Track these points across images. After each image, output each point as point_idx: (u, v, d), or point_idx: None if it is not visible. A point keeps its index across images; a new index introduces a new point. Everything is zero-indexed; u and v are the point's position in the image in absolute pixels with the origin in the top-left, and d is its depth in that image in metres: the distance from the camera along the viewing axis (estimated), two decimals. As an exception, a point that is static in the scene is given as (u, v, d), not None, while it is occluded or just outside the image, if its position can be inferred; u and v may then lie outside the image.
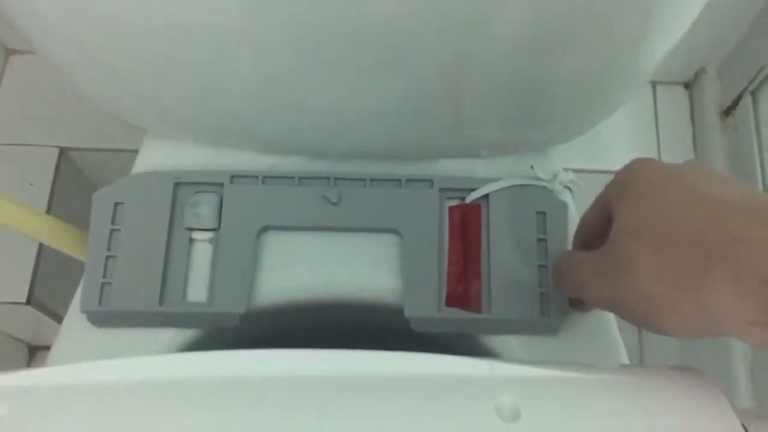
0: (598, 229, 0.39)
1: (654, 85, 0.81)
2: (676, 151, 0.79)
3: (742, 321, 0.27)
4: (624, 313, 0.35)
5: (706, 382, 0.30)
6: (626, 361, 0.47)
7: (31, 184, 0.77)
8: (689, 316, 0.30)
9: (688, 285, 0.29)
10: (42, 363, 0.95)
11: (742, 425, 0.27)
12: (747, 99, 0.72)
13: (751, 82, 0.71)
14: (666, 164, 0.35)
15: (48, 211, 0.76)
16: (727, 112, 0.76)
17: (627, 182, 0.36)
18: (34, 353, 0.95)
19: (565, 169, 0.52)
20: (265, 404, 0.29)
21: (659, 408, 0.29)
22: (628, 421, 0.28)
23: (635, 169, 0.36)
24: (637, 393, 0.30)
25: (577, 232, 0.43)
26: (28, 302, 0.74)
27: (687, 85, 0.81)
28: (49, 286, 0.77)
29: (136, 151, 0.53)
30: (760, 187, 0.69)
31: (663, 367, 0.31)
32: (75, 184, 0.81)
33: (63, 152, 0.79)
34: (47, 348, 0.92)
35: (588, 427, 0.28)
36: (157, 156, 0.52)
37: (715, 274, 0.28)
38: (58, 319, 0.80)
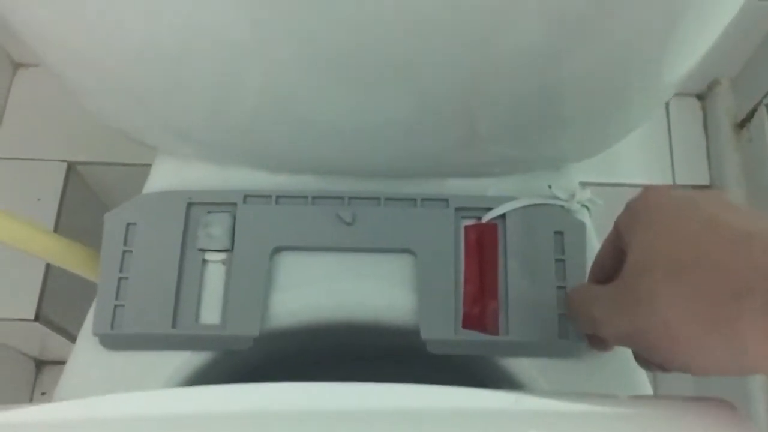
0: (611, 261, 0.37)
1: (667, 97, 0.80)
2: (689, 164, 0.78)
3: None
4: (645, 350, 0.33)
5: (738, 417, 0.29)
6: (647, 385, 0.46)
7: (39, 199, 0.76)
8: (717, 354, 0.29)
9: (718, 321, 0.28)
10: (49, 378, 0.95)
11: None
12: (762, 111, 0.71)
13: (766, 95, 0.70)
14: (680, 192, 0.34)
15: (56, 226, 0.75)
16: (742, 124, 0.75)
17: (640, 212, 0.34)
18: (42, 368, 0.94)
19: (582, 185, 0.51)
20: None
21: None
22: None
23: (648, 198, 0.34)
24: (665, 427, 0.29)
25: (592, 267, 0.41)
26: (36, 319, 0.74)
27: (700, 97, 0.80)
28: (57, 302, 0.76)
29: (144, 166, 0.53)
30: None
31: (691, 400, 0.31)
32: (83, 198, 0.81)
33: (71, 166, 0.78)
34: (54, 363, 0.92)
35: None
36: (169, 175, 0.51)
37: (746, 309, 0.27)
38: (66, 334, 0.79)
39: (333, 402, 0.29)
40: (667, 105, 0.80)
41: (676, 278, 0.30)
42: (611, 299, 0.34)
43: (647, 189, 0.35)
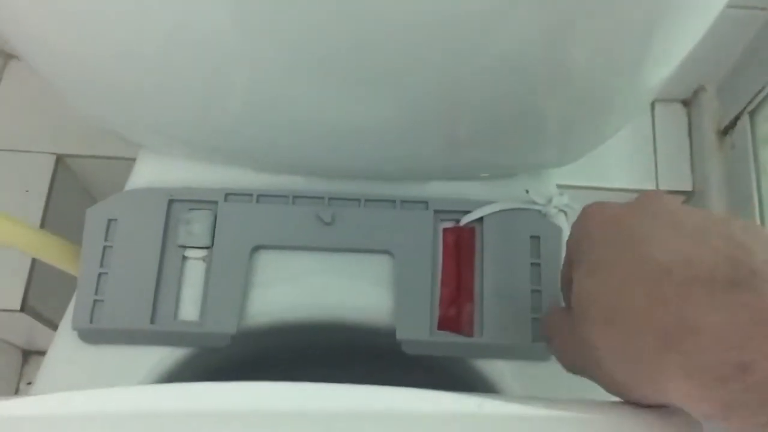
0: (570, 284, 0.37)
1: (653, 102, 0.81)
2: (673, 169, 0.79)
3: (699, 413, 0.26)
4: (585, 376, 0.34)
5: (694, 423, 0.30)
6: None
7: (27, 191, 0.77)
8: (650, 399, 0.29)
9: (645, 374, 0.28)
10: (35, 368, 0.95)
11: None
12: (745, 119, 0.72)
13: (749, 103, 0.71)
14: (615, 212, 0.32)
15: (43, 218, 0.76)
16: (725, 131, 0.76)
17: (580, 240, 0.33)
18: (28, 358, 0.95)
19: (560, 189, 0.52)
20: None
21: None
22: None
23: (585, 223, 0.33)
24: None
25: (561, 281, 0.40)
26: (22, 309, 0.74)
27: (686, 103, 0.81)
28: (43, 293, 0.76)
29: (132, 160, 0.53)
30: (756, 208, 0.69)
31: (657, 407, 0.31)
32: (71, 191, 0.81)
33: (59, 159, 0.79)
34: (40, 352, 0.92)
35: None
36: (151, 172, 0.52)
37: (668, 365, 0.26)
38: (52, 325, 0.79)
39: (293, 402, 0.30)
40: (652, 110, 0.80)
41: (610, 327, 0.29)
42: (563, 333, 0.35)
43: (584, 210, 0.34)
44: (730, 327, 0.24)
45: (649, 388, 0.28)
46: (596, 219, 0.33)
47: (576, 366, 0.35)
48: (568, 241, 0.36)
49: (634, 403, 0.31)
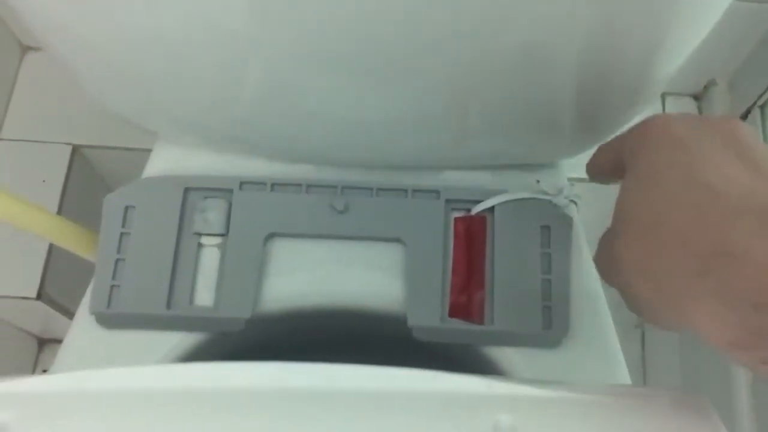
0: (609, 172, 0.36)
1: (663, 96, 0.81)
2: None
3: (723, 340, 0.26)
4: (616, 288, 0.34)
5: (708, 412, 0.30)
6: (627, 376, 0.47)
7: (44, 181, 0.78)
8: (669, 319, 0.30)
9: (671, 293, 0.28)
10: (51, 356, 0.97)
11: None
12: (756, 113, 0.72)
13: (760, 97, 0.71)
14: (682, 131, 0.30)
15: (60, 209, 0.77)
16: (736, 125, 0.76)
17: (637, 147, 0.32)
18: (43, 346, 0.96)
19: (570, 181, 0.52)
20: (261, 417, 0.30)
21: (653, 431, 0.29)
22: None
23: (646, 133, 0.32)
24: (634, 417, 0.30)
25: (590, 167, 0.40)
26: (38, 297, 0.75)
27: (696, 97, 0.81)
28: (59, 282, 0.78)
29: (148, 150, 0.54)
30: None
31: (663, 391, 0.32)
32: (87, 181, 0.82)
33: (76, 150, 0.80)
34: (56, 341, 0.94)
35: (582, 449, 0.28)
36: (167, 161, 0.52)
37: (700, 287, 0.26)
38: (68, 314, 0.81)
39: (301, 381, 0.31)
40: (663, 104, 0.81)
41: (644, 242, 0.29)
42: (602, 244, 0.35)
43: (648, 120, 0.32)
44: None
45: (673, 309, 0.28)
46: (659, 131, 0.31)
47: (607, 280, 0.35)
48: (620, 136, 0.34)
49: (651, 323, 0.31)
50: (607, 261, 0.34)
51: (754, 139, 0.29)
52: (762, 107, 0.71)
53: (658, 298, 0.29)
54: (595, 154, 0.39)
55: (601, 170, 0.38)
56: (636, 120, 0.50)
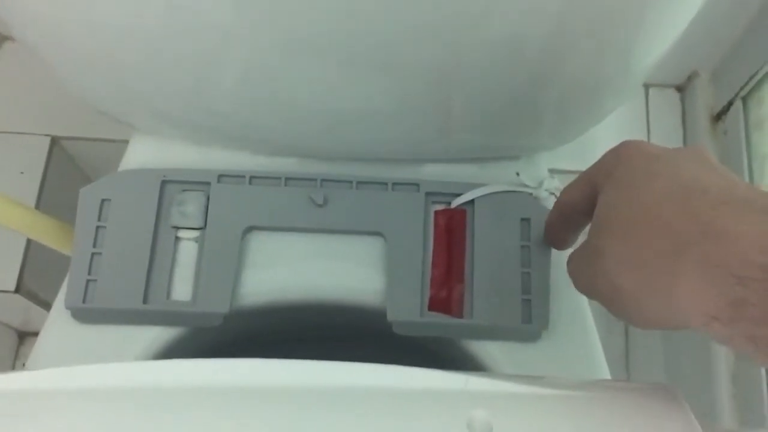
0: (581, 206, 0.38)
1: (647, 87, 0.81)
2: (666, 154, 0.79)
3: (705, 315, 0.26)
4: (601, 302, 0.34)
5: (679, 402, 0.30)
6: (605, 369, 0.47)
7: (22, 173, 0.77)
8: (655, 308, 0.30)
9: (653, 275, 0.29)
10: (31, 349, 0.96)
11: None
12: (738, 104, 0.72)
13: (742, 88, 0.71)
14: (656, 148, 0.33)
15: (38, 200, 0.76)
16: (718, 116, 0.76)
17: (612, 166, 0.34)
18: (23, 339, 0.95)
19: (551, 173, 0.52)
20: (235, 414, 0.29)
21: (629, 427, 0.29)
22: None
23: (621, 153, 0.34)
24: (609, 411, 0.30)
25: (557, 207, 0.41)
26: (17, 290, 0.75)
27: (679, 89, 0.81)
28: (39, 274, 0.77)
29: (127, 142, 0.53)
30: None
31: (638, 385, 0.32)
32: (66, 173, 0.81)
33: (55, 141, 0.79)
34: (36, 334, 0.93)
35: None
36: (144, 153, 0.52)
37: (682, 264, 0.27)
38: (47, 306, 0.79)
39: (276, 378, 0.30)
40: (646, 96, 0.81)
41: (626, 237, 0.31)
42: (578, 255, 0.36)
43: (623, 143, 0.35)
44: (762, 233, 0.25)
45: (658, 293, 0.29)
46: (637, 148, 0.33)
47: (584, 286, 0.36)
48: (595, 164, 0.36)
49: (636, 323, 0.32)
50: (586, 267, 0.35)
51: (712, 156, 0.32)
52: (744, 98, 0.71)
53: (642, 286, 0.30)
54: (563, 192, 0.40)
55: (572, 206, 0.39)
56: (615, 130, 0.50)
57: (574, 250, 0.37)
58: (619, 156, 0.34)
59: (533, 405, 0.30)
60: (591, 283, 0.35)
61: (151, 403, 0.30)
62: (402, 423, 0.29)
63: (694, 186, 0.29)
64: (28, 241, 0.75)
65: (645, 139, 0.80)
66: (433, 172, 0.52)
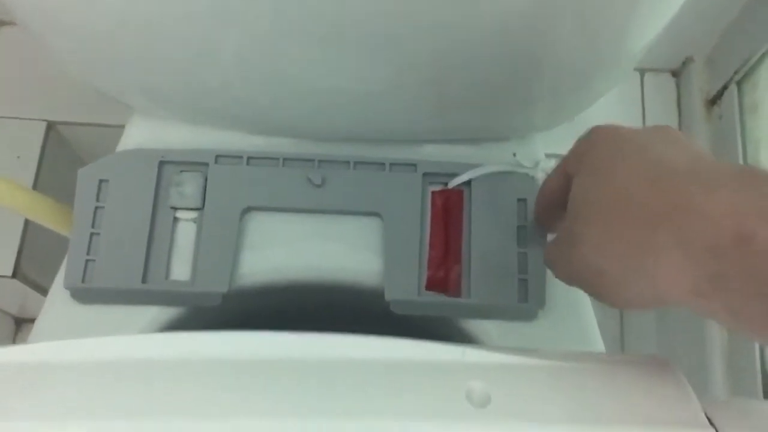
0: (560, 195, 0.38)
1: (642, 72, 0.81)
2: (661, 139, 0.79)
3: (683, 290, 0.27)
4: (584, 288, 0.35)
5: (672, 371, 0.30)
6: (601, 347, 0.47)
7: (18, 157, 0.77)
8: (635, 287, 0.30)
9: (631, 255, 0.29)
10: (28, 335, 0.96)
11: (705, 413, 0.28)
12: (732, 89, 0.72)
13: (736, 72, 0.71)
14: (626, 130, 0.34)
15: (34, 185, 0.76)
16: (713, 101, 0.76)
17: (585, 151, 0.35)
18: (20, 325, 0.95)
19: (548, 156, 0.53)
20: (239, 385, 0.30)
21: (624, 395, 0.29)
22: (594, 408, 0.29)
23: (591, 138, 0.35)
24: (604, 381, 0.30)
25: (539, 199, 0.42)
26: (14, 276, 0.75)
27: (675, 73, 0.82)
28: (35, 260, 0.77)
29: (123, 127, 0.53)
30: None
31: (632, 356, 0.32)
32: (62, 158, 0.81)
33: (51, 126, 0.79)
34: (33, 320, 0.93)
35: (554, 413, 0.28)
36: (142, 134, 0.52)
37: (658, 241, 0.28)
38: (44, 292, 0.79)
39: (278, 350, 0.31)
40: (642, 80, 0.81)
41: (602, 221, 0.31)
42: (556, 243, 0.37)
43: (594, 128, 0.35)
44: (733, 205, 0.25)
45: (636, 271, 0.29)
46: (608, 132, 0.34)
47: (566, 274, 0.36)
48: (568, 152, 0.37)
49: (620, 304, 0.32)
50: (565, 254, 0.35)
51: (682, 135, 0.32)
52: (739, 83, 0.72)
53: (622, 268, 0.30)
54: (542, 184, 0.41)
55: (551, 196, 0.39)
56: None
57: (552, 240, 0.38)
58: (589, 141, 0.35)
59: (530, 376, 0.31)
60: (571, 269, 0.35)
61: (149, 375, 0.31)
62: (401, 394, 0.30)
63: (663, 166, 0.29)
64: (25, 226, 0.76)
65: (640, 124, 0.80)
66: (430, 153, 0.52)
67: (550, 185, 0.39)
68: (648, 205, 0.28)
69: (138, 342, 0.33)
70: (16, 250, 0.75)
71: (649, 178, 0.29)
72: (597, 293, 0.33)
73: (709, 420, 0.28)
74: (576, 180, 0.34)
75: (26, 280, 0.77)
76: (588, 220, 0.32)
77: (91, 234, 0.47)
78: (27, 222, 0.75)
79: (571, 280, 0.36)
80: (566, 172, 0.37)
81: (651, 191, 0.29)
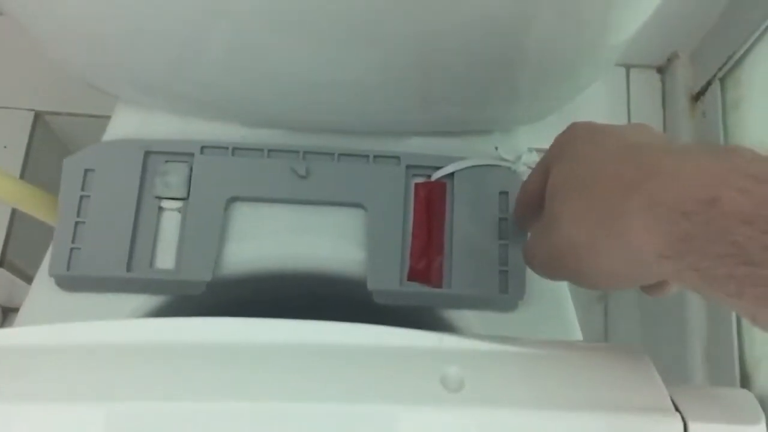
0: (540, 193, 0.38)
1: (627, 68, 0.82)
2: (646, 135, 0.80)
3: (656, 254, 0.28)
4: (563, 274, 0.36)
5: (641, 359, 0.31)
6: (580, 337, 0.48)
7: (5, 147, 0.77)
8: (608, 257, 0.31)
9: (606, 222, 0.30)
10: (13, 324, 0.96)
11: (671, 398, 0.29)
12: (716, 85, 0.73)
13: (720, 69, 0.72)
14: (603, 125, 0.35)
15: (21, 175, 0.76)
16: (697, 97, 0.77)
17: (564, 144, 0.36)
18: (7, 315, 0.95)
19: (530, 150, 0.53)
20: (220, 370, 0.30)
21: (594, 381, 0.30)
22: (563, 393, 0.29)
23: (570, 132, 0.36)
24: (575, 368, 0.31)
25: (519, 197, 0.43)
26: (1, 265, 0.75)
27: (660, 70, 0.82)
28: (23, 248, 0.77)
29: (110, 118, 0.54)
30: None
31: (603, 345, 0.33)
32: (49, 148, 0.82)
33: (38, 116, 0.79)
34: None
35: (524, 398, 0.29)
36: (128, 124, 0.52)
37: (631, 206, 0.28)
38: (31, 281, 0.80)
39: (258, 335, 0.31)
40: (627, 77, 0.82)
41: (579, 195, 0.32)
42: (534, 235, 0.38)
43: (572, 124, 0.37)
44: (701, 171, 0.27)
45: (611, 239, 0.30)
46: (582, 127, 0.36)
47: (544, 261, 0.37)
48: (548, 150, 0.37)
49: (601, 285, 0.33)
50: (543, 240, 0.35)
51: (659, 131, 0.34)
52: (722, 79, 0.73)
53: (597, 235, 0.31)
54: (522, 185, 0.42)
55: (532, 196, 0.39)
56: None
57: (530, 237, 0.39)
58: (567, 135, 0.36)
59: (504, 362, 0.31)
60: (549, 253, 0.35)
61: (132, 359, 0.31)
62: (377, 378, 0.30)
63: (638, 144, 0.31)
64: (12, 215, 0.76)
65: (626, 120, 0.81)
66: (414, 145, 0.53)
67: (531, 186, 0.40)
68: (621, 175, 0.30)
69: (121, 327, 0.34)
70: (2, 239, 0.75)
71: (625, 153, 0.31)
72: (574, 273, 0.34)
73: (675, 406, 0.29)
74: (553, 170, 0.35)
75: (13, 269, 0.77)
76: (565, 199, 0.33)
77: (76, 222, 0.48)
78: (14, 211, 0.76)
79: (549, 267, 0.37)
80: (545, 170, 0.37)
81: (624, 163, 0.30)
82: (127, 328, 0.34)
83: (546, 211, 0.35)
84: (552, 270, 0.37)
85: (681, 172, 0.27)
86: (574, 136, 0.35)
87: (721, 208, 0.25)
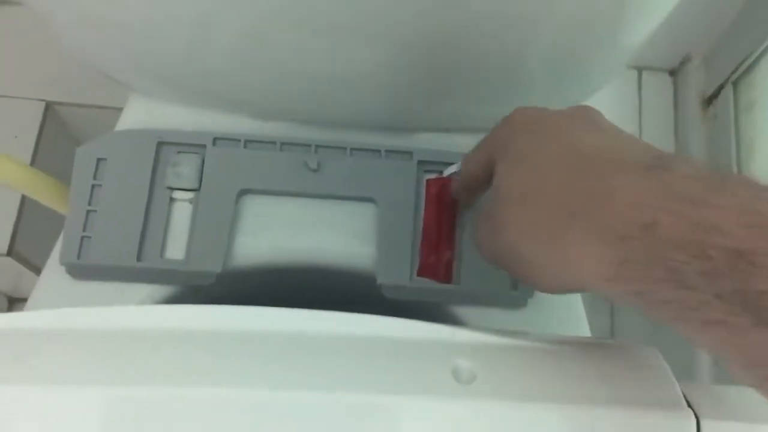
0: (481, 176, 0.39)
1: (640, 71, 0.82)
2: (656, 137, 0.80)
3: (599, 278, 0.28)
4: (504, 268, 0.36)
5: (654, 356, 0.31)
6: (588, 335, 0.48)
7: (16, 137, 0.77)
8: (556, 271, 0.31)
9: (550, 242, 0.30)
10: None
11: (684, 395, 0.29)
12: (728, 89, 0.73)
13: (733, 72, 0.72)
14: (545, 114, 0.35)
15: (32, 164, 0.76)
16: (709, 101, 0.77)
17: (506, 136, 0.36)
18: (14, 305, 0.95)
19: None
20: (232, 357, 0.30)
21: (606, 377, 0.30)
22: (576, 388, 0.29)
23: (511, 122, 0.36)
24: (587, 363, 0.31)
25: (463, 177, 0.42)
26: (9, 254, 0.75)
27: (672, 73, 0.82)
28: (30, 238, 0.77)
29: (121, 109, 0.54)
30: (735, 176, 0.70)
31: (615, 341, 0.33)
32: (59, 138, 0.82)
33: (49, 106, 0.79)
34: (27, 300, 0.93)
35: (537, 391, 0.29)
36: (141, 115, 0.52)
37: (573, 230, 0.29)
38: (39, 271, 0.79)
39: (271, 324, 0.31)
40: (639, 79, 0.82)
41: (524, 206, 0.32)
42: (482, 225, 0.37)
43: (516, 111, 0.36)
44: (639, 195, 0.27)
45: (556, 255, 0.30)
46: (520, 117, 0.35)
47: (491, 257, 0.37)
48: (487, 137, 0.38)
49: (546, 288, 0.34)
50: (489, 237, 0.36)
51: (602, 116, 0.34)
52: (735, 83, 0.72)
53: (541, 255, 0.31)
54: (463, 164, 0.42)
55: (473, 178, 0.40)
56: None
57: (478, 219, 0.38)
58: (509, 126, 0.36)
59: (516, 356, 0.31)
60: (496, 253, 0.36)
61: (138, 345, 0.31)
62: (388, 369, 0.30)
63: (579, 152, 0.30)
64: (21, 205, 0.76)
65: (637, 122, 0.81)
66: (426, 141, 0.53)
67: (472, 167, 0.40)
68: (565, 196, 0.30)
69: (125, 313, 0.34)
70: (11, 228, 0.75)
71: (566, 165, 0.30)
72: (521, 277, 0.35)
73: (688, 402, 0.29)
74: (498, 167, 0.35)
75: (21, 259, 0.77)
76: (510, 208, 0.33)
77: (88, 211, 0.48)
78: (23, 200, 0.76)
79: (497, 263, 0.37)
80: (488, 154, 0.37)
81: (567, 179, 0.30)
82: (131, 314, 0.34)
83: (490, 209, 0.35)
84: (497, 266, 0.37)
85: (620, 193, 0.27)
86: (516, 130, 0.35)
87: (658, 233, 0.25)
